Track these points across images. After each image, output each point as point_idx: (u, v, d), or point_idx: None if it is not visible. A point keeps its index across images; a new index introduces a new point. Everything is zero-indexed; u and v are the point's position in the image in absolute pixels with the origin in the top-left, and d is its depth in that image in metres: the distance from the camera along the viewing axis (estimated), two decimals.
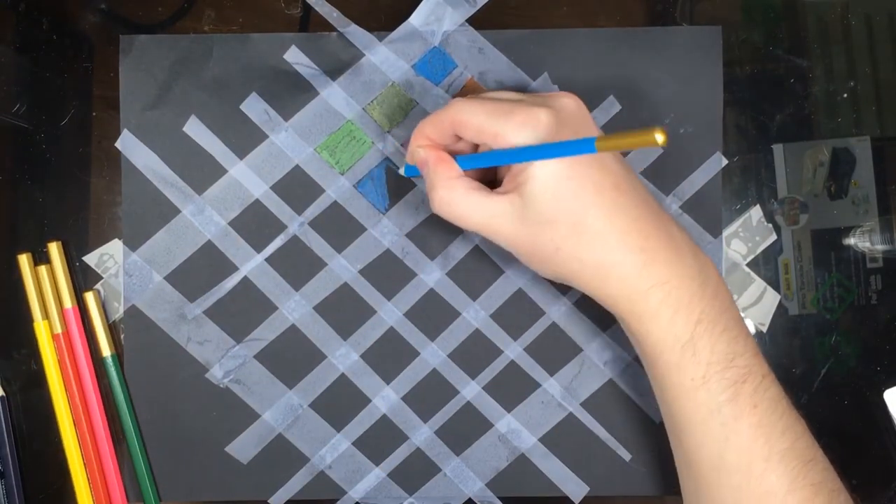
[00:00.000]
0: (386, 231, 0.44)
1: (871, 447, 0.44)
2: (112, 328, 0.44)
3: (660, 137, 0.28)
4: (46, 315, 0.44)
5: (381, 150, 0.44)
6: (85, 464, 0.44)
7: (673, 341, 0.35)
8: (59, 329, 0.44)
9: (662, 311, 0.35)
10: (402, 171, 0.43)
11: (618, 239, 0.34)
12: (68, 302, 0.44)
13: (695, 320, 0.34)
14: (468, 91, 0.44)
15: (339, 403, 0.45)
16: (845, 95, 0.44)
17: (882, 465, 0.44)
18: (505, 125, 0.34)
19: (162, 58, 0.44)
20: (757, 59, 0.44)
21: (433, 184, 0.36)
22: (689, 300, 0.35)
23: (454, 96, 0.44)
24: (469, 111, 0.35)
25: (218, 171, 0.44)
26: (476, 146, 0.38)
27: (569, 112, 0.35)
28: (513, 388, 0.44)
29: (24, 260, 0.43)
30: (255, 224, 0.44)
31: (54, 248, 0.44)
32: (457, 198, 0.36)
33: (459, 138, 0.37)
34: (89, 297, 0.44)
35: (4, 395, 0.44)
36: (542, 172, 0.34)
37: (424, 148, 0.37)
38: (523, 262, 0.37)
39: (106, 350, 0.44)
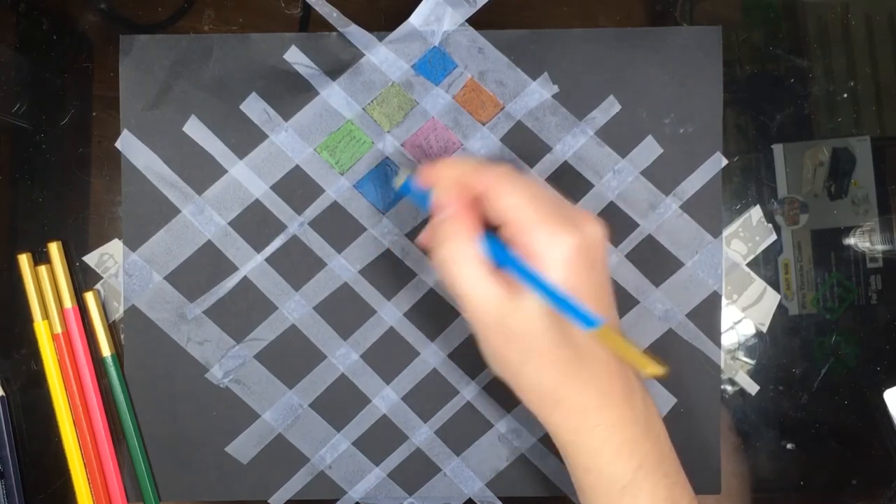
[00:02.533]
0: (386, 231, 0.44)
1: (871, 447, 0.44)
2: (112, 328, 0.44)
3: (660, 371, 0.32)
4: (46, 315, 0.44)
5: (381, 150, 0.44)
6: (85, 464, 0.44)
7: (613, 482, 0.34)
8: (59, 329, 0.44)
9: (605, 450, 0.34)
10: (396, 184, 0.41)
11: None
12: (68, 302, 0.44)
13: (637, 464, 0.34)
14: (468, 90, 0.44)
15: (339, 403, 0.45)
16: (845, 95, 0.44)
17: (882, 465, 0.44)
18: (534, 230, 0.32)
19: (162, 58, 0.44)
20: (757, 59, 0.44)
21: (447, 236, 0.33)
22: (632, 443, 0.34)
23: (455, 96, 0.44)
24: (510, 190, 0.33)
25: (218, 171, 0.44)
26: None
27: (593, 241, 0.33)
28: None
29: (23, 260, 0.43)
30: (254, 224, 0.44)
31: (54, 248, 0.44)
32: (465, 263, 0.33)
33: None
34: (89, 297, 0.44)
35: (4, 395, 0.44)
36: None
37: (454, 195, 0.34)
38: (483, 354, 0.35)
39: (106, 350, 0.44)
